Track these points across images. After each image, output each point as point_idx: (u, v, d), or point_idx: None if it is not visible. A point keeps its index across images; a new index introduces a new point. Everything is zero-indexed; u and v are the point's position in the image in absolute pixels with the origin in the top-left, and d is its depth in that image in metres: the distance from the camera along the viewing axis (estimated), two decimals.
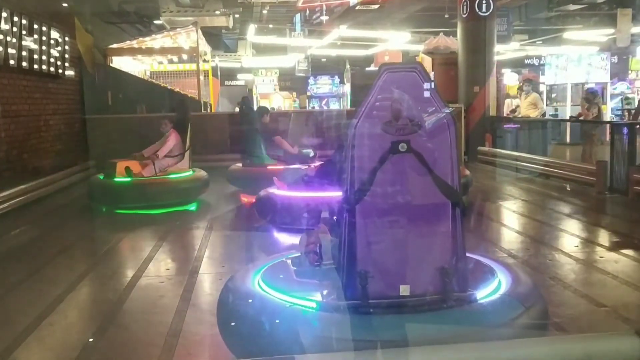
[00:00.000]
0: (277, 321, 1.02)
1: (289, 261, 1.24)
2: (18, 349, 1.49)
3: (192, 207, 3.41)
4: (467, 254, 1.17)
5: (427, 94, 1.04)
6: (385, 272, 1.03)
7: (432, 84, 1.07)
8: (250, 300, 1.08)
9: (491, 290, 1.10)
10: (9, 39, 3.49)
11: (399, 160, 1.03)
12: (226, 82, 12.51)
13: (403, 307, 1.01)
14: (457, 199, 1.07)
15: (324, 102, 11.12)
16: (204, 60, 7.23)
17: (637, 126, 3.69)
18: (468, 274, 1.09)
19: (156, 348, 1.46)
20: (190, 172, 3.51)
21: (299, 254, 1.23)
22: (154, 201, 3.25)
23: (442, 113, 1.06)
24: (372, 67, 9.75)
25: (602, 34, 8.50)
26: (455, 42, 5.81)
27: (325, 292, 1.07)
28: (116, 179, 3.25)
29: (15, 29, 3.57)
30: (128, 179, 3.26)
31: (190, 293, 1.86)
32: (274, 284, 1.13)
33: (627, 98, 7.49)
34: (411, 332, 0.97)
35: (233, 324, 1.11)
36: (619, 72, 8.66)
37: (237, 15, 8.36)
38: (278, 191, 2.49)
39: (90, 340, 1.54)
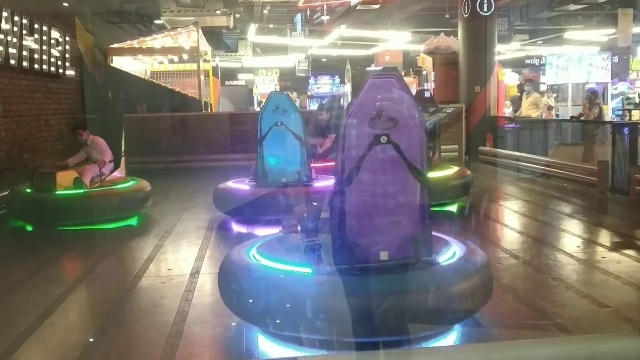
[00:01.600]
0: (275, 286, 1.27)
1: (276, 240, 1.53)
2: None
3: (133, 221, 2.92)
4: (432, 233, 1.48)
5: (406, 104, 1.31)
6: (369, 241, 1.31)
7: (407, 87, 1.36)
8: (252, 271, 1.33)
9: (449, 256, 1.42)
10: (9, 38, 3.48)
11: (380, 150, 1.33)
12: (227, 82, 12.51)
13: (383, 269, 1.28)
14: (425, 182, 1.36)
15: (324, 101, 11.11)
16: (205, 60, 7.23)
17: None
18: (432, 243, 1.39)
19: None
20: (134, 182, 3.07)
21: (283, 234, 1.50)
22: (107, 215, 2.80)
23: (415, 110, 1.34)
24: (373, 67, 9.74)
25: (603, 34, 8.50)
26: (456, 42, 5.80)
27: (313, 261, 1.33)
28: (58, 192, 2.76)
29: (15, 29, 3.56)
30: (77, 192, 2.79)
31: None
32: (271, 255, 1.39)
33: (627, 98, 7.48)
34: (389, 288, 1.24)
35: (234, 289, 1.35)
36: (620, 72, 8.65)
37: (237, 15, 8.36)
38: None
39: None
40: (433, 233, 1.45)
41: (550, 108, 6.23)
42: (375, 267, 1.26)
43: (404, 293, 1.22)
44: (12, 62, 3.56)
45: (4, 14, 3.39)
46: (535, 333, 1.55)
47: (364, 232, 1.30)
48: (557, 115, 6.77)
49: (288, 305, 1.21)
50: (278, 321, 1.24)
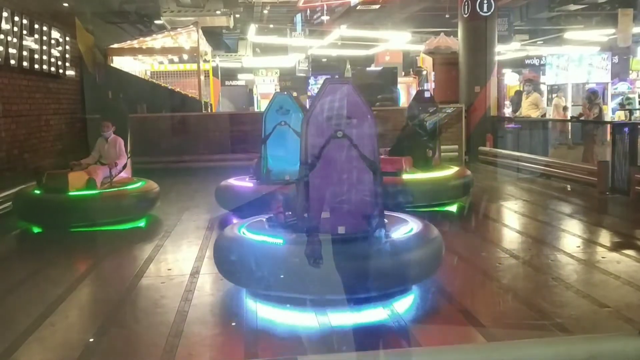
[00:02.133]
0: (256, 253, 1.63)
1: (264, 219, 1.86)
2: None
3: (142, 222, 2.89)
4: (397, 214, 1.88)
5: (359, 105, 1.65)
6: (330, 218, 1.65)
7: (359, 93, 1.69)
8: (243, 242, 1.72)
9: (407, 230, 1.77)
10: (9, 38, 3.48)
11: (337, 142, 1.66)
12: (227, 82, 12.50)
13: (341, 241, 1.62)
14: (376, 170, 1.67)
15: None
16: (205, 60, 7.22)
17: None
18: (384, 220, 1.69)
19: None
20: (143, 182, 3.05)
21: (272, 215, 1.83)
22: (119, 216, 2.79)
23: (367, 111, 1.67)
24: (373, 67, 9.74)
25: (603, 34, 8.49)
26: (456, 42, 5.81)
27: (288, 234, 1.67)
28: (71, 193, 2.72)
29: (16, 29, 3.56)
30: (91, 192, 2.77)
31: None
32: (255, 230, 1.77)
33: (627, 98, 7.48)
34: (345, 256, 1.56)
35: (226, 256, 1.70)
36: (620, 72, 8.64)
37: (237, 15, 8.35)
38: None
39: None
40: (397, 214, 1.88)
41: (565, 109, 6.17)
42: (335, 238, 1.59)
43: (361, 259, 1.55)
44: (12, 62, 3.56)
45: (4, 14, 3.39)
46: (535, 333, 1.55)
47: (325, 210, 1.65)
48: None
49: (264, 268, 1.57)
50: (258, 281, 1.59)
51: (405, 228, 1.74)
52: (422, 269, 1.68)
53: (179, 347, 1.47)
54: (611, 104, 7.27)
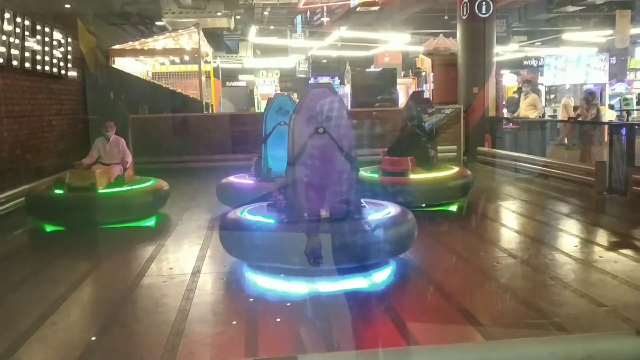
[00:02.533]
0: (253, 230, 1.93)
1: (265, 205, 2.15)
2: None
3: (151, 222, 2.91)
4: (378, 201, 2.24)
5: (337, 106, 2.01)
6: (313, 203, 1.93)
7: (339, 96, 2.07)
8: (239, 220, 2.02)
9: (385, 213, 2.09)
10: (12, 39, 3.48)
11: (319, 138, 1.97)
12: (227, 83, 12.50)
13: (323, 222, 1.89)
14: (353, 161, 1.98)
15: None
16: (206, 61, 7.23)
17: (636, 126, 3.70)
18: (360, 204, 2.01)
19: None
20: (154, 181, 3.10)
21: (272, 202, 2.11)
22: (139, 214, 2.83)
23: (345, 111, 2.00)
24: (373, 68, 9.75)
25: (601, 35, 8.50)
26: (455, 44, 5.81)
27: (280, 216, 1.99)
28: (100, 191, 2.75)
29: (18, 30, 3.56)
30: (119, 189, 2.80)
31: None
32: (253, 212, 2.09)
33: (625, 99, 7.48)
34: (327, 234, 1.83)
35: (230, 232, 2.02)
36: (618, 73, 8.65)
37: (238, 17, 8.36)
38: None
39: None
40: (378, 200, 2.22)
41: (575, 109, 6.13)
42: (319, 219, 1.87)
43: (340, 235, 1.83)
44: (15, 63, 3.57)
45: (6, 15, 3.39)
46: (533, 332, 1.55)
47: (309, 196, 1.92)
48: (555, 117, 6.77)
49: (259, 242, 1.90)
50: (254, 253, 1.90)
51: (385, 211, 2.08)
52: (397, 245, 1.99)
53: (180, 345, 1.47)
54: (610, 103, 7.28)
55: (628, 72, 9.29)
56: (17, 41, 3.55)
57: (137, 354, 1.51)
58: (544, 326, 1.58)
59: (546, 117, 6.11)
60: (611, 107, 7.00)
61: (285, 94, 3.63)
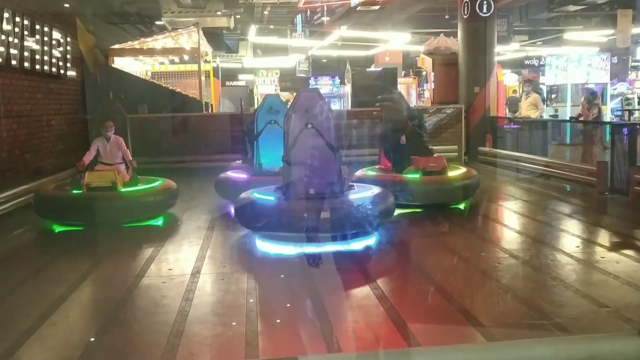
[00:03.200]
0: (257, 205, 2.49)
1: (273, 188, 2.65)
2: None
3: (160, 220, 2.92)
4: (365, 184, 2.83)
5: (322, 106, 2.60)
6: (304, 184, 2.46)
7: (324, 99, 2.70)
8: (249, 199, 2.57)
9: (371, 192, 2.62)
10: (10, 39, 3.48)
11: (308, 132, 2.51)
12: (227, 83, 12.48)
13: (312, 199, 2.42)
14: (335, 150, 2.50)
15: None
16: (205, 61, 7.21)
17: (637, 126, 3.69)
18: (343, 185, 2.52)
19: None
20: (162, 181, 3.14)
21: (281, 186, 2.63)
22: (154, 212, 2.89)
23: (328, 110, 2.54)
24: (373, 68, 9.74)
25: (603, 34, 8.49)
26: (456, 43, 5.79)
27: (278, 195, 2.56)
28: (122, 190, 2.80)
29: (17, 30, 3.56)
30: (140, 188, 2.85)
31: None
32: (261, 193, 2.61)
33: (627, 99, 7.47)
34: (314, 208, 2.35)
35: (241, 209, 2.56)
36: (619, 72, 8.63)
37: (238, 16, 8.35)
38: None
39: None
40: (366, 184, 2.80)
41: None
42: (309, 197, 2.41)
43: (325, 210, 2.30)
44: (14, 62, 3.56)
45: (5, 14, 3.39)
46: (535, 333, 1.55)
47: (301, 179, 2.47)
48: (556, 117, 6.75)
49: (264, 215, 2.41)
50: (260, 223, 2.40)
51: (371, 191, 2.62)
52: (378, 217, 2.45)
53: (180, 346, 1.47)
54: (610, 104, 7.27)
55: (630, 72, 9.26)
56: (16, 41, 3.55)
57: (136, 354, 1.51)
58: (546, 327, 1.58)
59: (547, 117, 6.06)
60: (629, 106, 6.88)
61: (276, 94, 3.89)
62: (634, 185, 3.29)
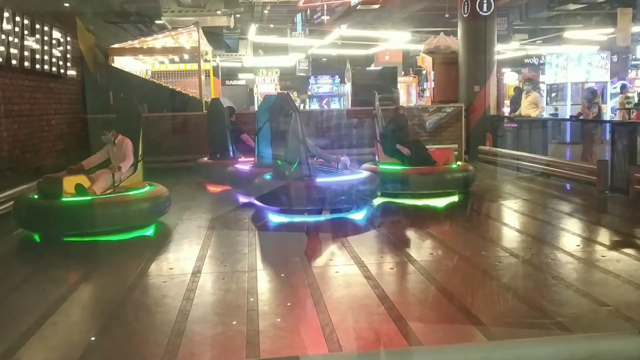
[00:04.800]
0: (267, 183, 3.18)
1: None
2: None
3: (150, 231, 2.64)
4: (357, 169, 3.43)
5: (290, 104, 3.28)
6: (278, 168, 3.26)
7: (295, 103, 3.56)
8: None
9: (360, 174, 3.20)
10: (10, 38, 3.45)
11: (284, 127, 3.18)
12: (227, 82, 12.45)
13: (288, 179, 3.06)
14: (304, 143, 3.06)
15: (324, 101, 11.11)
16: (205, 60, 7.18)
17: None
18: (308, 168, 3.05)
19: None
20: (149, 187, 2.81)
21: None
22: (116, 224, 2.53)
23: (292, 111, 3.10)
24: (373, 67, 9.70)
25: (603, 33, 8.44)
26: (456, 42, 5.78)
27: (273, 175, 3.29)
28: (64, 199, 2.48)
29: (17, 29, 3.53)
30: (85, 198, 2.51)
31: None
32: (267, 176, 3.31)
33: (627, 97, 7.43)
34: (287, 186, 3.04)
35: (257, 187, 3.19)
36: (619, 71, 8.59)
37: (238, 15, 8.30)
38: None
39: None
40: (358, 168, 3.40)
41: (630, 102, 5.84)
42: (285, 178, 3.04)
43: (299, 188, 2.96)
44: (14, 62, 3.54)
45: (5, 14, 3.36)
46: (536, 332, 1.54)
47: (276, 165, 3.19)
48: (556, 115, 6.73)
49: (269, 190, 3.07)
50: (269, 197, 3.05)
51: (360, 173, 3.21)
52: (360, 196, 3.00)
53: (181, 346, 1.46)
54: (610, 102, 7.24)
55: (630, 70, 9.22)
56: (16, 40, 3.52)
57: (137, 354, 1.50)
58: (546, 326, 1.57)
59: (546, 116, 6.05)
60: (637, 105, 6.88)
61: (275, 94, 4.14)
62: (634, 184, 3.28)
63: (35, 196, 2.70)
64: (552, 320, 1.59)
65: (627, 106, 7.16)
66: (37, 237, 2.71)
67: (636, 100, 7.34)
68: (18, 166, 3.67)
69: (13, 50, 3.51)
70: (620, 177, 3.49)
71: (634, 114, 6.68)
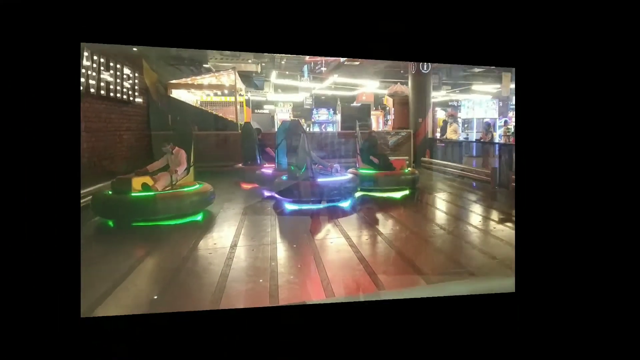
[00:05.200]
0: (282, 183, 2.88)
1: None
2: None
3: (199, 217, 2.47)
4: (342, 169, 3.26)
5: (300, 127, 3.34)
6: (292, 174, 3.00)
7: (303, 127, 3.24)
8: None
9: (348, 176, 3.03)
10: (89, 72, 3.19)
11: (296, 143, 3.04)
12: (256, 110, 12.12)
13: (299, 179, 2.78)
14: (310, 155, 2.91)
15: (323, 126, 11.20)
16: (240, 95, 6.95)
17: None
18: (314, 172, 2.91)
19: None
20: (198, 185, 2.70)
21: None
22: (173, 213, 2.41)
23: (303, 132, 3.05)
24: (355, 104, 9.78)
25: (494, 87, 8.85)
26: (407, 89, 5.91)
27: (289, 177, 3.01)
28: (132, 195, 2.37)
29: (95, 65, 3.27)
30: (149, 194, 2.40)
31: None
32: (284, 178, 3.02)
33: (508, 128, 7.87)
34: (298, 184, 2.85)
35: (277, 186, 2.96)
36: (503, 111, 9.09)
37: (263, 64, 8.09)
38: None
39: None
40: (345, 172, 3.19)
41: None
42: (296, 178, 2.86)
43: (306, 186, 2.78)
44: (92, 90, 3.24)
45: (85, 53, 3.09)
46: (456, 277, 1.60)
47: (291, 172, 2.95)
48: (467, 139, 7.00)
49: (285, 187, 2.83)
50: (285, 192, 2.81)
51: (346, 175, 3.05)
52: (346, 191, 2.90)
53: (222, 298, 1.41)
54: (498, 131, 7.62)
55: (509, 111, 9.80)
56: (94, 74, 3.25)
57: (190, 305, 1.42)
58: (461, 273, 1.64)
59: (462, 139, 6.30)
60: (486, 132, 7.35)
61: (290, 120, 4.13)
62: (511, 182, 3.49)
63: (109, 192, 2.57)
64: (465, 270, 1.67)
65: (507, 134, 7.57)
66: (110, 223, 2.53)
67: (512, 130, 7.71)
68: (96, 170, 3.41)
69: (91, 81, 3.24)
70: (503, 178, 3.69)
71: (511, 139, 7.06)
